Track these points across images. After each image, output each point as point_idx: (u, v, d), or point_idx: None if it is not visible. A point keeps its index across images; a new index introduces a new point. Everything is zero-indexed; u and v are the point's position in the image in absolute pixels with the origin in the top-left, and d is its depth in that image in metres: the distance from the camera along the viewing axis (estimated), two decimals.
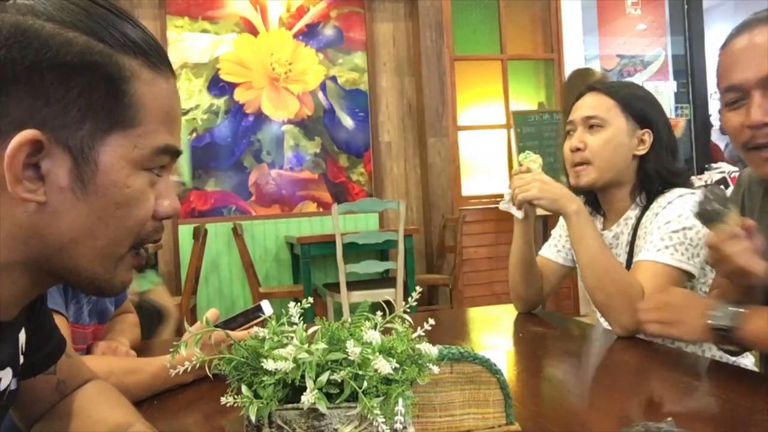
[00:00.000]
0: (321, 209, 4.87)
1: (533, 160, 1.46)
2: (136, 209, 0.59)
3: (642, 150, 1.43)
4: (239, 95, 4.73)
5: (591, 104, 1.46)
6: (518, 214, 1.49)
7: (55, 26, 0.54)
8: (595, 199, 1.53)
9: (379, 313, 0.66)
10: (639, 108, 1.44)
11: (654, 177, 1.42)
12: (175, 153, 0.62)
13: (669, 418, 0.71)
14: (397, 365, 0.60)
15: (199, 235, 3.97)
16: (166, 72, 0.61)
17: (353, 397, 0.58)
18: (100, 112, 0.56)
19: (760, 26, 0.98)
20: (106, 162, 0.57)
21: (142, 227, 0.61)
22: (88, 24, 0.56)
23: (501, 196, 1.57)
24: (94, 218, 0.57)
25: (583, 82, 2.58)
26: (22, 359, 0.69)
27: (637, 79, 5.63)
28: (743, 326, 0.97)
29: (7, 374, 0.65)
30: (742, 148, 1.02)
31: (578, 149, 1.44)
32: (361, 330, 0.62)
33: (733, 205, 1.01)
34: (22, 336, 0.69)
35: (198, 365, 0.63)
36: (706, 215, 1.01)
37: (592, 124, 1.44)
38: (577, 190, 1.49)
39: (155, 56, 0.60)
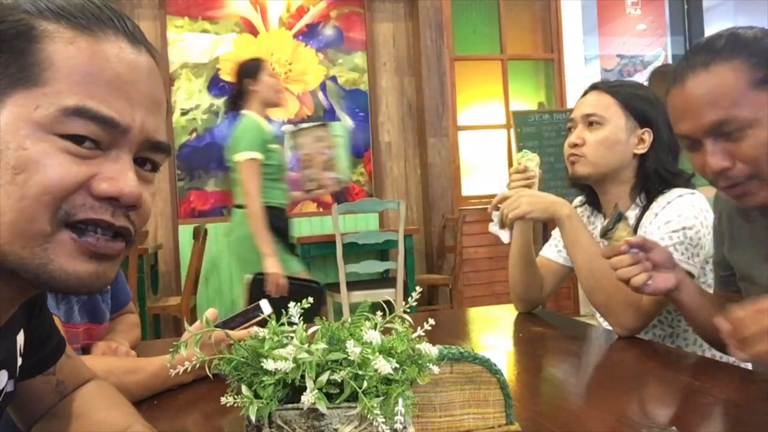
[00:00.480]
0: (321, 209, 4.87)
1: (530, 159, 1.49)
2: (39, 175, 0.51)
3: (642, 149, 1.44)
4: None
5: (591, 102, 1.48)
6: (505, 238, 1.50)
7: None
8: (595, 197, 1.54)
9: (379, 313, 0.66)
10: (639, 107, 1.45)
11: (653, 176, 1.43)
12: (105, 121, 0.54)
13: (672, 427, 0.71)
14: (397, 365, 0.60)
15: (199, 235, 3.98)
16: (103, 35, 0.55)
17: (353, 397, 0.58)
18: None
19: (691, 75, 0.97)
20: (2, 122, 0.52)
21: (56, 198, 0.52)
22: None
23: None
24: None
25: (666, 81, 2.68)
26: (20, 361, 0.69)
27: (637, 79, 5.63)
28: None
29: (2, 376, 0.64)
30: (712, 185, 1.03)
31: (576, 145, 1.46)
32: (361, 330, 0.62)
33: (623, 223, 1.11)
34: (21, 337, 0.68)
35: (198, 365, 0.63)
36: (602, 231, 1.16)
37: (591, 122, 1.46)
38: (574, 182, 1.51)
39: (87, 18, 0.55)
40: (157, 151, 0.60)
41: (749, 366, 1.27)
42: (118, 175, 0.55)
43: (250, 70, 3.00)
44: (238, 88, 3.02)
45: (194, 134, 4.65)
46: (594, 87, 1.52)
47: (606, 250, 1.12)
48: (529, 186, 1.51)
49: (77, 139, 0.53)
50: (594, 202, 1.55)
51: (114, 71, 0.55)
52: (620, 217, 1.13)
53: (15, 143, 0.51)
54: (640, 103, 1.45)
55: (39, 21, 0.54)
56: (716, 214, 1.23)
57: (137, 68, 0.57)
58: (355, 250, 4.04)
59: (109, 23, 0.56)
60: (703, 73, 0.96)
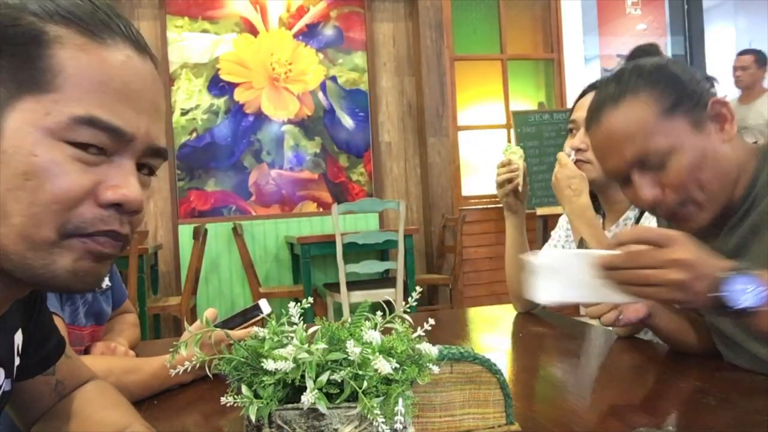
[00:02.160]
0: (321, 209, 4.87)
1: (514, 152, 1.52)
2: (49, 183, 0.52)
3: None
4: (239, 95, 4.73)
5: None
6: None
7: None
8: (595, 198, 1.54)
9: (379, 313, 0.66)
10: None
11: None
12: (113, 131, 0.55)
13: (670, 427, 0.71)
14: (397, 365, 0.60)
15: (199, 235, 3.97)
16: (112, 42, 0.56)
17: (353, 397, 0.58)
18: (8, 74, 0.53)
19: (604, 114, 1.00)
20: (12, 127, 0.52)
21: (65, 207, 0.53)
22: None
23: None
24: (2, 190, 0.52)
25: None
26: (18, 360, 0.69)
27: None
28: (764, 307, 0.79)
29: (0, 374, 0.65)
30: (651, 214, 1.06)
31: (580, 149, 1.45)
32: (361, 330, 0.62)
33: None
34: (19, 337, 0.68)
35: (198, 365, 0.63)
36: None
37: None
38: None
39: (96, 25, 0.55)
40: (157, 156, 0.61)
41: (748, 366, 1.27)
42: (122, 182, 0.56)
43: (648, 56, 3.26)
44: None
45: (194, 134, 4.65)
46: (593, 87, 1.51)
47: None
48: (512, 179, 1.51)
49: (84, 146, 0.54)
50: (593, 203, 1.55)
51: (123, 80, 0.56)
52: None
53: (25, 149, 0.52)
54: None
55: (50, 26, 0.54)
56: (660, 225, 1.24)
57: (143, 77, 0.58)
58: (355, 250, 4.04)
59: (117, 30, 0.56)
60: (614, 111, 0.99)
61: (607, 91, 1.02)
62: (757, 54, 4.51)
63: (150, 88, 0.59)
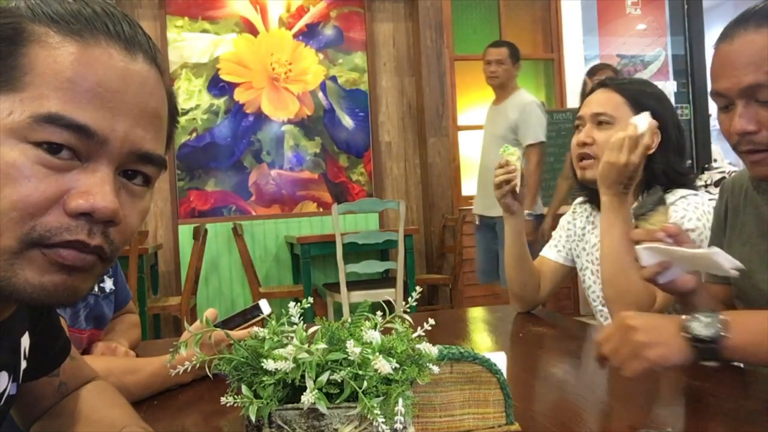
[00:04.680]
0: (321, 209, 4.87)
1: (511, 153, 1.52)
2: (8, 188, 0.49)
3: (650, 149, 1.43)
4: (239, 95, 4.73)
5: (600, 101, 1.46)
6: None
7: None
8: (595, 195, 1.53)
9: (379, 313, 0.66)
10: (648, 106, 1.43)
11: (660, 176, 1.42)
12: (79, 129, 0.50)
13: (669, 429, 0.71)
14: (397, 365, 0.60)
15: (199, 235, 3.98)
16: (93, 41, 0.52)
17: (353, 397, 0.58)
18: None
19: (741, 33, 0.97)
20: None
21: (26, 214, 0.49)
22: None
23: None
24: None
25: None
26: (25, 364, 0.68)
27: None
28: (728, 334, 0.86)
29: (3, 378, 0.64)
30: (734, 149, 1.04)
31: (585, 143, 1.45)
32: (361, 330, 0.62)
33: (663, 207, 1.09)
34: (26, 340, 0.68)
35: (198, 365, 0.63)
36: (637, 211, 1.11)
37: (600, 121, 1.44)
38: (582, 185, 1.50)
39: (79, 23, 0.52)
40: (148, 163, 0.56)
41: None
42: (93, 188, 0.51)
43: None
44: None
45: (194, 134, 4.66)
46: (602, 84, 1.50)
47: (639, 233, 1.06)
48: (510, 180, 1.51)
49: (53, 149, 0.50)
50: (596, 201, 1.55)
51: (97, 78, 0.52)
52: (662, 201, 1.08)
53: None
54: (649, 101, 1.44)
55: (30, 25, 0.52)
56: (721, 202, 1.22)
57: (127, 76, 0.53)
58: (355, 250, 4.04)
59: (102, 29, 0.53)
60: (753, 34, 0.95)
61: (754, 15, 0.98)
62: (511, 47, 3.84)
63: (135, 89, 0.54)
